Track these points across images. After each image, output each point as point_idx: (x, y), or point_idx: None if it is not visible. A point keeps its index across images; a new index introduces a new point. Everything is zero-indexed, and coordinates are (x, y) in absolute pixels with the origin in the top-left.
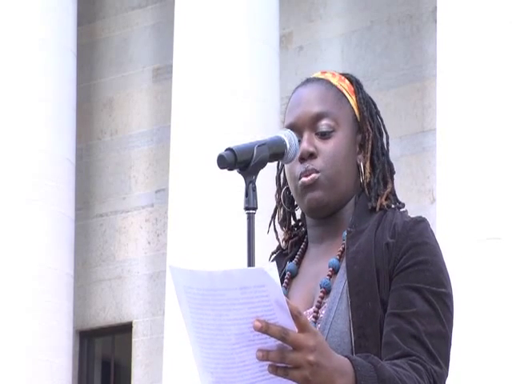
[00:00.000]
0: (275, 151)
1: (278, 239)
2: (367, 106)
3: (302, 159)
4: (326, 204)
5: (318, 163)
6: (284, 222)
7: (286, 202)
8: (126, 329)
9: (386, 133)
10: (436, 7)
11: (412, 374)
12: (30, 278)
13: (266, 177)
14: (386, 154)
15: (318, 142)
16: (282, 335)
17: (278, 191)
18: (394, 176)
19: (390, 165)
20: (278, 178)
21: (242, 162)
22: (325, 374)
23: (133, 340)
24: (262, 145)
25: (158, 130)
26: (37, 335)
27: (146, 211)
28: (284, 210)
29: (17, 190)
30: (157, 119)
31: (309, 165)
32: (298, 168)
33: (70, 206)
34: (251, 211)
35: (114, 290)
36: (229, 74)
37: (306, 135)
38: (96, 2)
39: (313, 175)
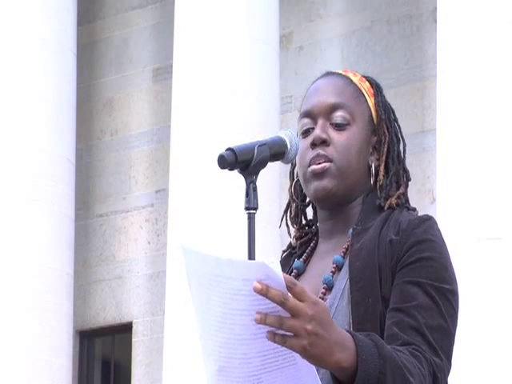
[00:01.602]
0: (276, 151)
1: (289, 234)
2: (385, 110)
3: (314, 145)
4: (332, 194)
5: (330, 151)
6: (296, 219)
7: (297, 196)
8: (126, 329)
9: (404, 140)
10: (436, 7)
11: (411, 359)
12: (30, 278)
13: (267, 177)
14: (401, 161)
15: (331, 132)
16: (282, 300)
17: (291, 185)
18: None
19: (406, 171)
20: (291, 173)
21: (242, 161)
22: (324, 346)
23: (133, 340)
24: (262, 145)
25: (158, 130)
26: (37, 335)
27: (146, 211)
28: (296, 206)
29: (17, 190)
30: (157, 119)
31: (321, 151)
32: (310, 154)
33: (70, 206)
34: (252, 211)
35: (114, 289)
36: (229, 74)
37: (320, 123)
38: (96, 2)
39: (324, 164)
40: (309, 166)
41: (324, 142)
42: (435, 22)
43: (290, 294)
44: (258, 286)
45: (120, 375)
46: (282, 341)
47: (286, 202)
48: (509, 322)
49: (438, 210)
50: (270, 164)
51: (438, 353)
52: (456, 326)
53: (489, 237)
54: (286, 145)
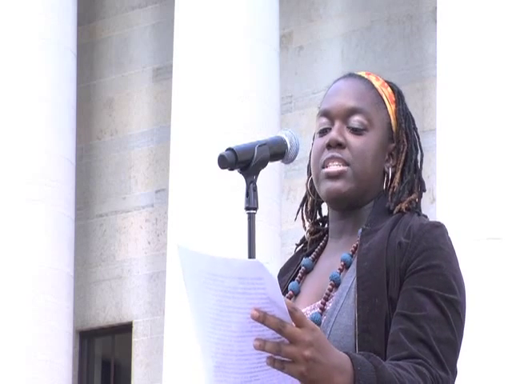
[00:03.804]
0: (276, 151)
1: (304, 228)
2: (406, 119)
3: (329, 146)
4: (344, 196)
5: (346, 154)
6: (311, 214)
7: (313, 192)
8: (126, 329)
9: (422, 151)
10: (436, 7)
11: (415, 377)
12: (30, 278)
13: (267, 177)
14: (418, 171)
15: (348, 135)
16: (279, 327)
17: (308, 180)
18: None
19: (422, 181)
20: (308, 167)
21: (242, 161)
22: (322, 371)
23: (133, 340)
24: (262, 145)
25: (158, 130)
26: (37, 335)
27: (146, 211)
28: (312, 201)
29: (17, 189)
30: (157, 119)
31: (336, 153)
32: (324, 155)
33: (70, 206)
34: (252, 211)
35: (114, 289)
36: (229, 74)
37: (337, 125)
38: (96, 1)
39: (341, 168)
40: (323, 167)
41: (339, 145)
42: (435, 21)
43: (284, 308)
44: (256, 313)
45: (120, 375)
46: (281, 366)
47: (286, 200)
48: (509, 322)
49: (438, 210)
50: (270, 164)
51: (444, 366)
52: (462, 336)
53: (489, 237)
54: (286, 145)
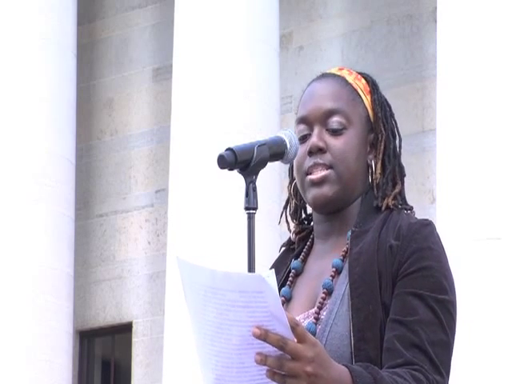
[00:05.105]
0: (275, 151)
1: (289, 230)
2: (382, 108)
3: (311, 153)
4: (331, 201)
5: (327, 158)
6: (295, 215)
7: (296, 194)
8: (126, 329)
9: (400, 135)
10: (436, 7)
11: None
12: (30, 278)
13: (266, 177)
14: (397, 156)
15: (328, 138)
16: (281, 344)
17: (290, 183)
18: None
19: (401, 167)
20: (290, 170)
21: (242, 161)
22: None
23: (133, 340)
24: (262, 145)
25: (158, 130)
26: (37, 335)
27: (145, 211)
28: (295, 204)
29: (17, 190)
30: (157, 119)
31: (318, 159)
32: (307, 162)
33: (70, 206)
34: (251, 211)
35: (114, 290)
36: (229, 74)
37: (316, 130)
38: (96, 1)
39: (323, 173)
40: (306, 174)
41: (320, 150)
42: (435, 21)
43: (286, 322)
44: (257, 331)
45: (120, 375)
46: (282, 380)
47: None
48: (508, 322)
49: (438, 210)
50: (269, 164)
51: (439, 370)
52: (455, 334)
53: (489, 237)
54: (286, 145)
